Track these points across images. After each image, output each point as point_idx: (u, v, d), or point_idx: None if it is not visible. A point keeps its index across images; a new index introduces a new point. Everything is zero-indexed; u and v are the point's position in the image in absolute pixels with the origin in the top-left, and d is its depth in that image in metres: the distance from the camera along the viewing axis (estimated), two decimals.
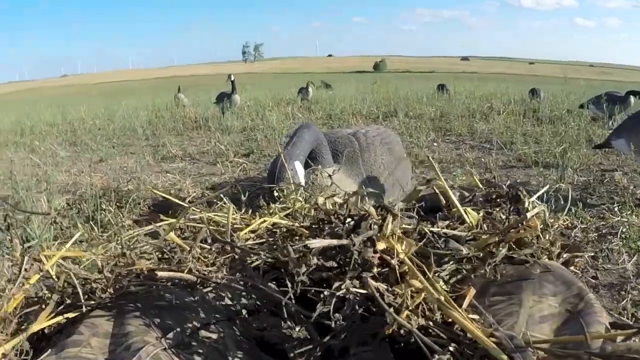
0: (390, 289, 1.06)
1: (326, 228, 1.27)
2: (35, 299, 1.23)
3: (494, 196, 1.65)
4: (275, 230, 1.50)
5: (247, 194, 2.38)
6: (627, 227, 2.60)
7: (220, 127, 6.48)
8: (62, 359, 1.03)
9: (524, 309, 1.15)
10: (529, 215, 1.36)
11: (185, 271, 1.13)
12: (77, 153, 6.00)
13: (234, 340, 1.13)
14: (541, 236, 1.40)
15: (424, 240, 1.26)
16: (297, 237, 1.38)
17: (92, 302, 1.13)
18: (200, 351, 1.08)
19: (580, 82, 13.67)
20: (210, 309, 1.15)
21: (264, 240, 1.40)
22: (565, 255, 1.55)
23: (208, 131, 6.39)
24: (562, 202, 2.32)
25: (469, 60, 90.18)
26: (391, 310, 0.98)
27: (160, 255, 1.29)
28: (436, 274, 1.16)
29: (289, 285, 1.06)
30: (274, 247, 1.29)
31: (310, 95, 9.04)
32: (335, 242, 1.08)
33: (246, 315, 1.19)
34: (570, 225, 2.36)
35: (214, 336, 1.09)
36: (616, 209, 2.90)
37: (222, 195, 2.20)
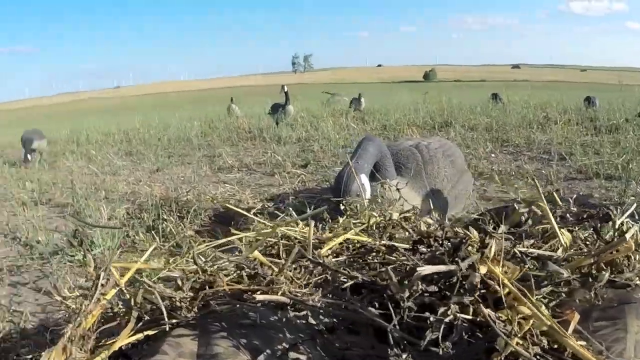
0: (496, 315, 1.01)
1: (421, 249, 1.22)
2: (111, 314, 1.21)
3: (584, 215, 1.57)
4: (350, 246, 1.45)
5: (312, 207, 2.35)
6: None
7: (275, 138, 6.48)
8: None
9: (630, 334, 1.09)
10: (627, 236, 1.29)
11: (279, 293, 1.09)
12: (133, 162, 6.09)
13: None
14: (632, 257, 1.34)
15: (525, 263, 1.20)
16: (376, 255, 1.34)
17: (175, 320, 1.10)
18: None
19: (635, 89, 13.26)
20: (293, 328, 1.11)
21: (345, 258, 1.35)
22: None
23: (263, 142, 6.41)
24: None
25: (520, 68, 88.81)
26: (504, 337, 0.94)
27: (239, 272, 1.25)
28: (537, 298, 1.10)
29: (392, 310, 1.01)
30: (364, 267, 1.25)
31: (362, 105, 9.01)
32: (443, 267, 1.03)
33: (326, 334, 1.16)
34: None
35: (303, 357, 1.05)
36: None
37: (289, 209, 2.15)
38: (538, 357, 0.97)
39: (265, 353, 1.04)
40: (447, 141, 3.41)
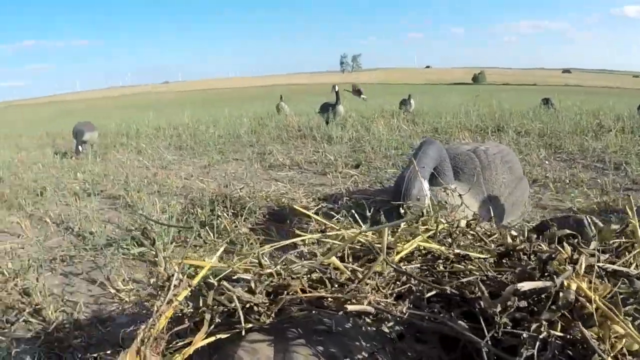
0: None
1: (506, 262, 1.18)
2: (180, 315, 1.19)
3: None
4: (415, 252, 1.41)
5: (371, 209, 2.32)
6: None
7: (325, 137, 6.45)
8: None
9: None
10: None
11: (365, 303, 1.05)
12: (183, 157, 6.12)
13: None
14: None
15: (615, 280, 1.14)
16: (444, 263, 1.30)
17: (250, 324, 1.07)
18: None
19: None
20: (366, 336, 1.08)
21: (418, 265, 1.31)
22: None
23: (313, 140, 6.37)
24: None
25: (571, 72, 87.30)
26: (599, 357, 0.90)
27: (310, 276, 1.22)
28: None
29: (483, 325, 0.97)
30: (444, 276, 1.21)
31: (412, 107, 8.92)
32: (540, 284, 0.99)
33: (397, 342, 1.12)
34: None
35: None
36: None
37: (353, 211, 2.11)
38: None
39: None
40: (505, 146, 3.33)
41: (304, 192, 3.88)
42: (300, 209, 1.98)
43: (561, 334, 0.98)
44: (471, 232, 1.45)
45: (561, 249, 1.12)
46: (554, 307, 0.99)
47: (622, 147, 5.31)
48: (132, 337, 1.01)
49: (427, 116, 8.06)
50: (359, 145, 5.81)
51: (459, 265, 1.30)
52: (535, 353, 0.93)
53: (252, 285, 1.13)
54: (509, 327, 0.98)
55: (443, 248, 1.36)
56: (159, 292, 1.16)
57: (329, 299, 1.09)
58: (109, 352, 1.53)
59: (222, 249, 1.37)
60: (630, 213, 1.38)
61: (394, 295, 1.14)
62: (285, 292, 1.10)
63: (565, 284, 1.01)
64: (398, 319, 1.09)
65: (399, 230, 1.59)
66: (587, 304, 1.00)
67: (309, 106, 10.26)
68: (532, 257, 1.18)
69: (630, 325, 0.98)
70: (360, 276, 1.14)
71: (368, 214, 2.22)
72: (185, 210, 3.50)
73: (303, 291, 1.13)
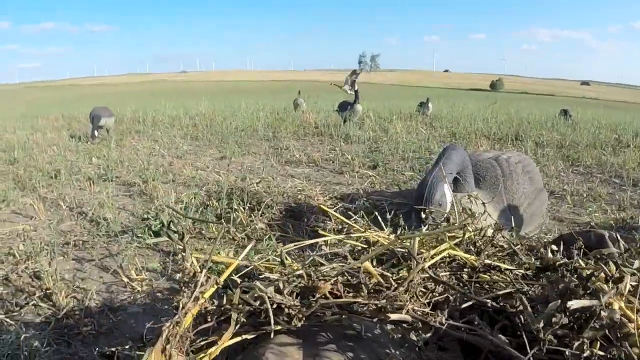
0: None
1: (542, 279, 1.14)
2: (204, 312, 1.16)
3: None
4: (447, 261, 1.38)
5: (392, 212, 2.29)
6: None
7: (342, 136, 6.41)
8: None
9: None
10: None
11: (404, 312, 1.02)
12: (199, 147, 6.10)
13: None
14: None
15: None
16: (476, 273, 1.27)
17: (279, 327, 1.04)
18: None
19: None
20: (394, 342, 1.05)
21: (448, 273, 1.28)
22: None
23: (330, 138, 6.33)
24: None
25: (590, 85, 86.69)
26: None
27: (339, 279, 1.19)
28: None
29: (526, 340, 0.94)
30: (482, 287, 1.18)
31: (430, 110, 8.87)
32: (587, 302, 0.96)
33: (421, 349, 1.09)
34: None
35: None
36: None
37: (376, 213, 2.08)
38: None
39: None
40: (526, 156, 3.29)
41: (321, 190, 3.85)
42: (325, 208, 1.94)
43: (602, 353, 0.95)
44: (501, 242, 1.42)
45: (604, 267, 1.09)
46: (596, 325, 0.96)
47: None
48: (157, 334, 0.98)
49: (445, 120, 8.01)
50: (376, 146, 5.77)
51: (485, 276, 1.28)
52: None
53: (280, 285, 1.10)
54: (554, 344, 0.95)
55: (472, 258, 1.33)
56: (184, 288, 1.13)
57: (363, 304, 1.06)
58: (127, 347, 1.50)
59: (250, 246, 1.34)
60: None
61: (431, 304, 1.11)
62: (315, 295, 1.07)
63: (612, 303, 0.98)
64: (433, 329, 1.06)
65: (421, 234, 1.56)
66: (628, 323, 0.97)
67: (327, 103, 10.22)
68: (573, 273, 1.15)
69: None
70: (392, 282, 1.11)
71: (388, 217, 2.19)
72: (201, 202, 3.48)
73: (332, 294, 1.10)
